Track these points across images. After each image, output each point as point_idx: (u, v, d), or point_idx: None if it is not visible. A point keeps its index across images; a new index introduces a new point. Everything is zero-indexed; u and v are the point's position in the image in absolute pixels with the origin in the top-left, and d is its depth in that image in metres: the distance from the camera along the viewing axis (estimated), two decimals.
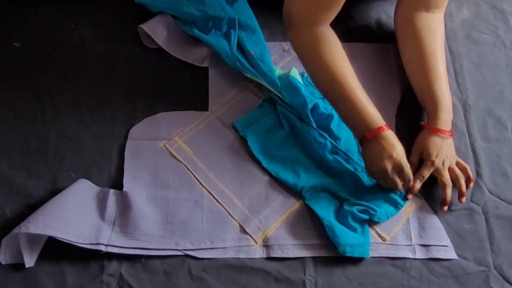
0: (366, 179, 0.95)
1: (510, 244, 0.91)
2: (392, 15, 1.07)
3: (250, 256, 0.88)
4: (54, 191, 0.90)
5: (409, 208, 0.94)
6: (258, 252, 0.89)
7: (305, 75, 1.02)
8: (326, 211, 0.91)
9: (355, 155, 0.96)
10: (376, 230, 0.91)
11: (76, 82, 1.04)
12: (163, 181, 0.94)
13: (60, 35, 1.09)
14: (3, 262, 0.85)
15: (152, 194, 0.92)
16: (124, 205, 0.90)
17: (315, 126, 0.97)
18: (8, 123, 0.99)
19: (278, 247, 0.89)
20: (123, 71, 1.06)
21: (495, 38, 1.14)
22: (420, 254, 0.89)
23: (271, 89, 1.00)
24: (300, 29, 0.94)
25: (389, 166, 0.88)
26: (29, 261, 0.84)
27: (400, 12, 1.03)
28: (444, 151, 0.93)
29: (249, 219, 0.91)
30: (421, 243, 0.90)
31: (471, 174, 0.95)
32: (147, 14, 1.08)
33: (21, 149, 0.96)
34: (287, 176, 0.94)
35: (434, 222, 0.92)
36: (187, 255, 0.88)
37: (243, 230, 0.90)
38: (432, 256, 0.89)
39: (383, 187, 0.93)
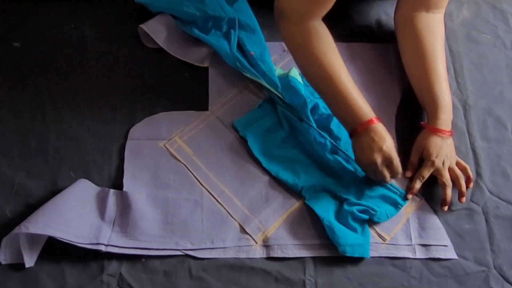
0: (366, 178, 0.95)
1: (510, 244, 0.91)
2: (392, 15, 1.07)
3: (250, 256, 0.88)
4: (54, 191, 0.90)
5: (409, 208, 0.94)
6: (258, 252, 0.89)
7: None
8: (326, 211, 0.91)
9: None
10: (376, 230, 0.91)
11: (76, 82, 1.04)
12: (163, 181, 0.94)
13: (60, 35, 1.09)
14: (3, 262, 0.85)
15: (152, 194, 0.92)
16: (124, 205, 0.90)
17: (315, 126, 0.97)
18: (8, 123, 0.99)
19: (278, 247, 0.89)
20: (123, 71, 1.06)
21: (495, 38, 1.14)
22: (420, 254, 0.90)
23: (271, 89, 1.00)
24: (291, 23, 0.94)
25: (379, 159, 0.89)
26: (29, 261, 0.84)
27: (400, 12, 1.03)
28: (444, 151, 0.93)
29: (249, 219, 0.91)
30: (421, 243, 0.90)
31: (471, 174, 0.95)
32: (147, 14, 1.08)
33: (21, 149, 0.96)
34: (287, 176, 0.94)
35: (434, 222, 0.92)
36: (187, 255, 0.88)
37: (243, 230, 0.90)
38: (432, 256, 0.89)
39: (382, 186, 0.94)
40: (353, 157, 0.95)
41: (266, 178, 0.95)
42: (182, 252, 0.88)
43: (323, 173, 0.96)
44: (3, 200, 0.91)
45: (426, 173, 0.93)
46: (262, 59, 1.04)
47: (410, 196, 0.93)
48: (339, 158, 0.95)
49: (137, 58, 1.07)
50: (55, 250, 0.86)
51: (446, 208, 0.92)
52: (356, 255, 0.88)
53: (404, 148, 0.98)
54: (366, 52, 1.10)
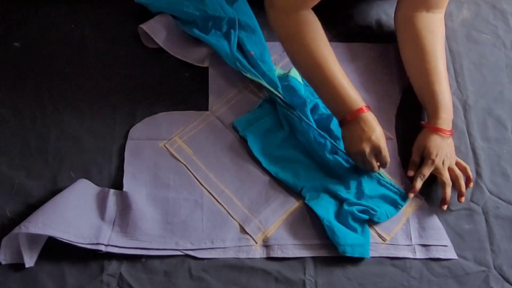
0: (366, 178, 0.95)
1: (510, 244, 0.91)
2: (392, 15, 1.07)
3: (250, 256, 0.88)
4: (54, 191, 0.90)
5: (409, 208, 0.94)
6: (258, 252, 0.89)
7: None
8: (326, 211, 0.91)
9: None
10: (376, 230, 0.91)
11: (76, 82, 1.04)
12: (163, 181, 0.94)
13: (60, 35, 1.09)
14: (3, 262, 0.85)
15: (152, 194, 0.92)
16: (124, 205, 0.90)
17: (315, 126, 0.97)
18: (8, 123, 0.99)
19: (278, 247, 0.89)
20: (123, 71, 1.06)
21: (495, 38, 1.14)
22: (420, 254, 0.90)
23: (271, 89, 1.00)
24: (281, 13, 0.94)
25: (367, 148, 0.89)
26: (29, 261, 0.84)
27: (400, 12, 1.03)
28: (444, 151, 0.93)
29: (249, 219, 0.91)
30: (421, 243, 0.90)
31: (471, 174, 0.95)
32: (147, 14, 1.08)
33: (21, 149, 0.96)
34: (287, 176, 0.94)
35: (434, 222, 0.92)
36: (187, 255, 0.88)
37: (243, 230, 0.90)
38: (432, 256, 0.89)
39: (382, 184, 0.94)
40: None
41: (266, 178, 0.95)
42: (182, 252, 0.88)
43: (323, 173, 0.96)
44: (3, 200, 0.91)
45: (427, 172, 0.93)
46: (262, 59, 1.04)
47: (411, 195, 0.93)
48: (339, 158, 0.95)
49: (137, 58, 1.07)
50: (55, 250, 0.86)
51: (445, 207, 0.92)
52: (356, 255, 0.88)
53: (404, 148, 0.98)
54: (366, 52, 1.10)
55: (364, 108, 0.90)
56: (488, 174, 0.98)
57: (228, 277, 0.86)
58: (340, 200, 0.93)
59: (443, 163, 0.93)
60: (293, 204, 0.93)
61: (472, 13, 1.17)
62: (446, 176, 0.92)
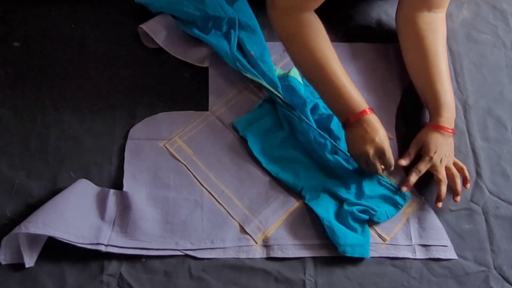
0: (366, 178, 0.95)
1: (510, 244, 0.91)
2: (393, 15, 1.08)
3: (250, 256, 0.88)
4: (54, 191, 0.90)
5: (409, 208, 0.94)
6: (258, 252, 0.89)
7: None
8: (326, 211, 0.91)
9: None
10: (376, 230, 0.91)
11: (76, 82, 1.04)
12: (163, 181, 0.94)
13: (60, 35, 1.09)
14: (3, 262, 0.85)
15: (152, 194, 0.92)
16: (124, 205, 0.90)
17: (315, 126, 0.97)
18: (8, 123, 0.99)
19: (278, 247, 0.89)
20: (123, 71, 1.06)
21: (495, 38, 1.14)
22: (420, 254, 0.90)
23: (271, 89, 1.00)
24: (283, 14, 0.94)
25: (371, 150, 0.89)
26: (29, 261, 0.84)
27: (401, 12, 1.03)
28: (444, 149, 0.93)
29: (249, 219, 0.91)
30: (421, 243, 0.90)
31: (468, 175, 0.95)
32: (147, 14, 1.08)
33: (21, 149, 0.96)
34: (287, 176, 0.94)
35: (434, 222, 0.92)
36: (187, 255, 0.88)
37: (243, 230, 0.90)
38: (432, 256, 0.89)
39: (382, 184, 0.94)
40: None
41: (266, 178, 0.95)
42: (182, 252, 0.88)
43: (323, 173, 0.96)
44: (3, 200, 0.91)
45: (423, 168, 0.93)
46: (262, 59, 1.04)
47: (404, 189, 0.93)
48: (339, 158, 0.95)
49: (137, 58, 1.07)
50: (55, 250, 0.86)
51: (440, 204, 0.92)
52: (356, 255, 0.88)
53: (404, 148, 0.98)
54: (367, 52, 1.10)
55: (367, 110, 0.90)
56: (488, 174, 0.98)
57: (228, 277, 0.86)
58: (340, 200, 0.93)
59: (441, 161, 0.93)
60: (293, 204, 0.93)
61: (472, 13, 1.17)
62: (443, 174, 0.93)
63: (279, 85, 1.00)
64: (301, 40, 0.93)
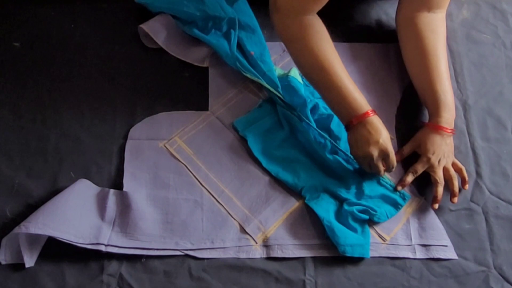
0: (366, 178, 0.95)
1: (510, 244, 0.91)
2: (392, 15, 1.08)
3: (250, 256, 0.88)
4: (54, 191, 0.90)
5: (409, 208, 0.94)
6: (258, 252, 0.89)
7: None
8: (326, 211, 0.91)
9: None
10: (376, 230, 0.91)
11: (76, 82, 1.04)
12: (163, 181, 0.94)
13: (60, 35, 1.09)
14: (3, 262, 0.85)
15: (152, 194, 0.92)
16: (124, 205, 0.90)
17: (315, 126, 0.97)
18: (8, 123, 0.99)
19: (278, 247, 0.89)
20: (123, 71, 1.06)
21: (495, 38, 1.14)
22: (420, 254, 0.90)
23: (271, 89, 1.00)
24: (286, 17, 0.94)
25: (375, 152, 0.89)
26: (29, 261, 0.84)
27: (401, 13, 1.03)
28: (442, 150, 0.93)
29: (249, 219, 0.91)
30: (421, 243, 0.90)
31: (466, 176, 0.95)
32: (147, 14, 1.08)
33: (21, 149, 0.96)
34: (287, 176, 0.94)
35: (434, 222, 0.92)
36: (187, 255, 0.88)
37: (243, 230, 0.90)
38: (432, 256, 0.89)
39: (382, 184, 0.94)
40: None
41: (266, 178, 0.95)
42: (182, 252, 0.88)
43: (323, 173, 0.96)
44: (3, 200, 0.91)
45: (420, 169, 0.93)
46: (262, 59, 1.04)
47: (399, 188, 0.93)
48: (339, 158, 0.95)
49: (137, 58, 1.07)
50: (55, 250, 0.86)
51: (437, 205, 0.92)
52: (356, 255, 0.88)
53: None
54: (366, 52, 1.10)
55: (370, 112, 0.90)
56: (488, 174, 0.98)
57: (228, 277, 0.86)
58: (340, 200, 0.93)
59: (439, 162, 0.93)
60: (293, 204, 0.93)
61: (472, 13, 1.17)
62: (439, 175, 0.93)
63: (279, 85, 1.00)
64: (304, 43, 0.93)
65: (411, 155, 0.96)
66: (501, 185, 0.97)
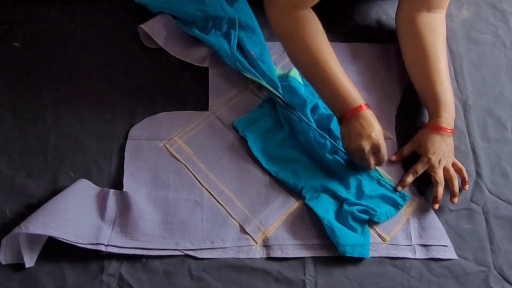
0: (366, 179, 0.95)
1: (510, 244, 0.91)
2: (392, 15, 1.08)
3: (250, 256, 0.88)
4: (54, 191, 0.90)
5: (409, 208, 0.94)
6: (258, 252, 0.89)
7: None
8: (326, 211, 0.91)
9: None
10: (376, 230, 0.91)
11: (76, 82, 1.04)
12: (163, 181, 0.94)
13: (60, 35, 1.09)
14: (3, 262, 0.85)
15: (152, 194, 0.92)
16: (124, 205, 0.90)
17: (315, 126, 0.97)
18: (8, 123, 0.99)
19: (278, 247, 0.89)
20: (123, 71, 1.06)
21: (495, 38, 1.14)
22: (420, 254, 0.90)
23: (271, 89, 1.00)
24: (281, 11, 0.94)
25: (367, 146, 0.89)
26: (29, 261, 0.84)
27: (401, 13, 1.03)
28: (442, 150, 0.93)
29: (249, 219, 0.91)
30: (421, 243, 0.90)
31: (466, 176, 0.95)
32: (147, 14, 1.08)
33: (21, 149, 0.96)
34: (287, 176, 0.94)
35: (434, 222, 0.92)
36: (187, 255, 0.88)
37: (243, 230, 0.90)
38: (432, 256, 0.89)
39: (382, 185, 0.94)
40: None
41: (266, 178, 0.95)
42: (182, 252, 0.88)
43: (323, 173, 0.96)
44: (3, 200, 0.91)
45: (420, 169, 0.93)
46: (262, 59, 1.04)
47: (400, 188, 0.93)
48: (339, 158, 0.95)
49: (137, 58, 1.07)
50: (55, 250, 0.86)
51: (437, 206, 0.92)
52: (356, 255, 0.88)
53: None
54: (366, 52, 1.10)
55: (363, 106, 0.90)
56: (488, 174, 0.98)
57: (228, 277, 0.86)
58: (340, 200, 0.93)
59: (439, 162, 0.93)
60: (293, 204, 0.93)
61: (472, 13, 1.17)
62: (440, 176, 0.93)
63: (279, 85, 1.00)
64: (298, 36, 0.93)
65: (411, 155, 0.97)
66: (501, 185, 0.97)
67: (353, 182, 0.94)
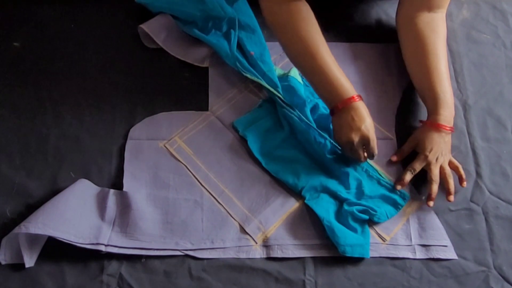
0: (366, 178, 0.95)
1: (510, 244, 0.91)
2: (393, 15, 1.08)
3: (250, 256, 0.88)
4: (54, 191, 0.90)
5: (409, 208, 0.94)
6: (258, 252, 0.89)
7: None
8: (326, 211, 0.91)
9: None
10: (376, 230, 0.91)
11: (76, 82, 1.04)
12: (163, 181, 0.94)
13: (60, 35, 1.09)
14: (3, 262, 0.85)
15: (152, 194, 0.92)
16: (124, 205, 0.90)
17: (315, 126, 0.97)
18: (8, 123, 0.99)
19: (278, 247, 0.89)
20: (123, 71, 1.06)
21: (495, 38, 1.14)
22: (420, 254, 0.89)
23: (271, 89, 1.00)
24: (274, 1, 0.94)
25: (356, 138, 0.89)
26: (29, 261, 0.84)
27: (401, 13, 1.03)
28: (440, 148, 0.93)
29: (249, 219, 0.91)
30: (421, 243, 0.90)
31: (463, 173, 0.95)
32: (147, 14, 1.08)
33: (21, 149, 0.96)
34: (287, 176, 0.94)
35: (434, 222, 0.92)
36: (187, 255, 0.88)
37: (243, 230, 0.90)
38: (432, 256, 0.89)
39: (382, 185, 0.94)
40: None
41: (266, 178, 0.95)
42: (182, 252, 0.88)
43: (323, 173, 0.96)
44: (3, 200, 0.91)
45: (418, 166, 0.93)
46: (262, 59, 1.04)
47: (399, 187, 0.93)
48: (339, 158, 0.95)
49: (137, 58, 1.07)
50: (55, 250, 0.86)
51: (431, 203, 0.92)
52: (356, 255, 0.88)
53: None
54: (366, 52, 1.10)
55: (356, 97, 0.90)
56: (488, 174, 0.98)
57: (228, 277, 0.86)
58: (340, 200, 0.93)
59: (436, 159, 0.93)
60: (293, 204, 0.93)
61: (472, 13, 1.17)
62: (435, 173, 0.93)
63: (279, 85, 1.00)
64: (290, 27, 0.94)
65: (411, 154, 0.96)
66: (501, 185, 0.97)
67: (353, 182, 0.94)
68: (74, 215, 0.86)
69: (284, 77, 1.03)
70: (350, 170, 0.95)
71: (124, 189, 0.92)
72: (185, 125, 1.00)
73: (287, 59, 1.05)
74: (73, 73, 1.05)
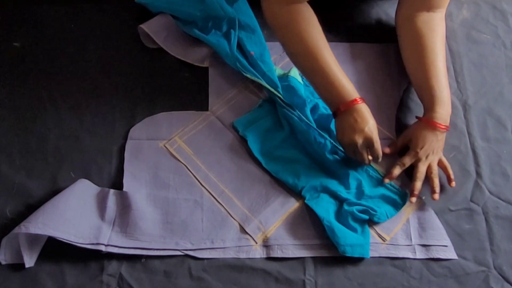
0: (366, 178, 0.95)
1: (510, 244, 0.91)
2: (392, 15, 1.08)
3: (250, 256, 0.88)
4: (54, 191, 0.90)
5: (409, 208, 0.94)
6: (258, 252, 0.89)
7: None
8: (326, 211, 0.91)
9: None
10: (376, 230, 0.91)
11: (76, 82, 1.04)
12: (163, 181, 0.94)
13: (60, 35, 1.09)
14: (3, 262, 0.85)
15: (152, 194, 0.92)
16: (124, 205, 0.90)
17: (315, 126, 0.97)
18: (8, 123, 0.99)
19: (278, 247, 0.89)
20: (123, 71, 1.06)
21: (495, 38, 1.14)
22: (420, 254, 0.89)
23: (271, 89, 1.00)
24: (275, 3, 0.94)
25: (359, 140, 0.89)
26: (29, 261, 0.84)
27: (401, 12, 1.03)
28: (432, 146, 0.93)
29: (249, 219, 0.91)
30: (421, 243, 0.90)
31: (451, 173, 0.95)
32: (147, 14, 1.08)
33: (21, 149, 0.96)
34: (287, 176, 0.94)
35: (434, 222, 0.92)
36: (187, 255, 0.88)
37: (243, 230, 0.90)
38: (432, 256, 0.89)
39: (382, 184, 0.94)
40: None
41: (266, 178, 0.95)
42: (182, 252, 0.88)
43: (323, 173, 0.96)
44: (3, 200, 0.91)
45: (407, 162, 0.94)
46: (262, 59, 1.04)
47: (387, 180, 0.94)
48: (339, 158, 0.95)
49: (137, 58, 1.07)
50: (55, 250, 0.86)
51: (414, 199, 0.92)
52: (356, 255, 0.88)
53: (403, 148, 0.98)
54: (366, 52, 1.10)
55: (358, 99, 0.90)
56: (488, 174, 0.98)
57: (228, 277, 0.86)
58: (340, 200, 0.93)
59: (426, 157, 0.93)
60: (293, 204, 0.93)
61: (472, 13, 1.17)
62: (421, 171, 0.93)
63: (279, 85, 1.00)
64: (292, 29, 0.93)
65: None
66: (501, 185, 0.97)
67: (353, 182, 0.94)
68: (74, 215, 0.86)
69: (284, 77, 1.03)
70: (350, 170, 0.95)
71: (124, 189, 0.92)
72: (185, 125, 1.00)
73: (287, 59, 1.05)
74: (73, 73, 1.05)
